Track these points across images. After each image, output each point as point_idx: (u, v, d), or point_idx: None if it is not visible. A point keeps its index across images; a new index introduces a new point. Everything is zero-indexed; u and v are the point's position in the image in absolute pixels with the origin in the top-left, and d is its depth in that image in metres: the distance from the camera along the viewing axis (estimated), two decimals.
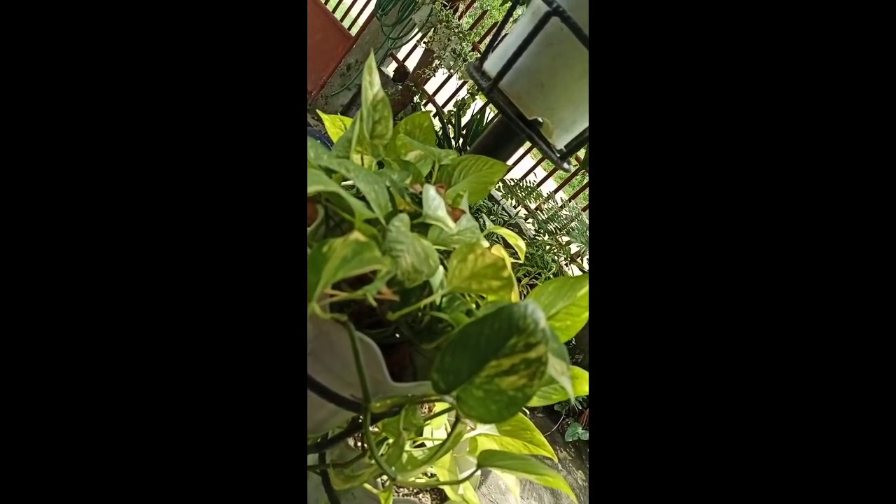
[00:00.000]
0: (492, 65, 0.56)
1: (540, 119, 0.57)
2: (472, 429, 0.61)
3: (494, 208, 3.04)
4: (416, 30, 3.38)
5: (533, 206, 3.17)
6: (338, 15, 4.04)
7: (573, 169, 0.63)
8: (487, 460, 0.40)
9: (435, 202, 0.44)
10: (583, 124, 0.57)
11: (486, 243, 0.54)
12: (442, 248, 0.46)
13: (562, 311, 0.47)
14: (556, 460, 0.57)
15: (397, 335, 0.44)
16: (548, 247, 2.88)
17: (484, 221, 0.59)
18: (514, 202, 3.19)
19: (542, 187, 3.29)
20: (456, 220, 0.48)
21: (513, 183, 3.21)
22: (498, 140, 0.60)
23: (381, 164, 0.58)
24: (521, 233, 3.03)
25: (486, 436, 0.60)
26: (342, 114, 3.76)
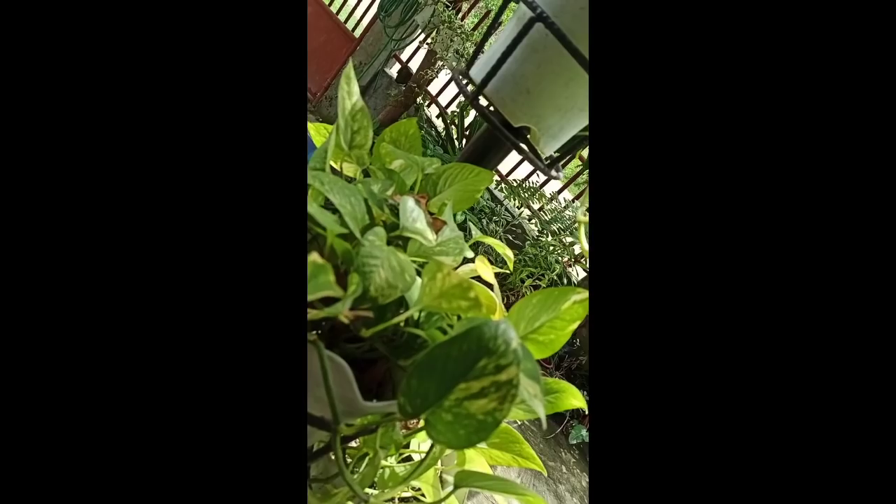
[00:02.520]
0: (478, 71, 0.55)
1: (529, 126, 0.55)
2: None
3: (498, 209, 3.02)
4: (419, 31, 3.37)
5: (536, 206, 3.15)
6: (342, 16, 4.04)
7: (563, 175, 0.61)
8: (464, 480, 0.39)
9: (414, 214, 0.43)
10: (571, 131, 0.55)
11: (470, 254, 0.53)
12: (423, 260, 0.45)
13: (545, 324, 0.45)
14: (545, 474, 0.56)
15: (378, 348, 0.43)
16: (551, 247, 2.86)
17: (470, 230, 0.58)
18: (517, 203, 3.18)
19: (545, 187, 3.28)
20: (438, 230, 0.47)
21: (516, 184, 3.20)
22: (484, 148, 0.58)
23: (366, 174, 0.58)
24: (524, 234, 3.01)
25: (473, 449, 0.59)
26: None
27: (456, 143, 3.27)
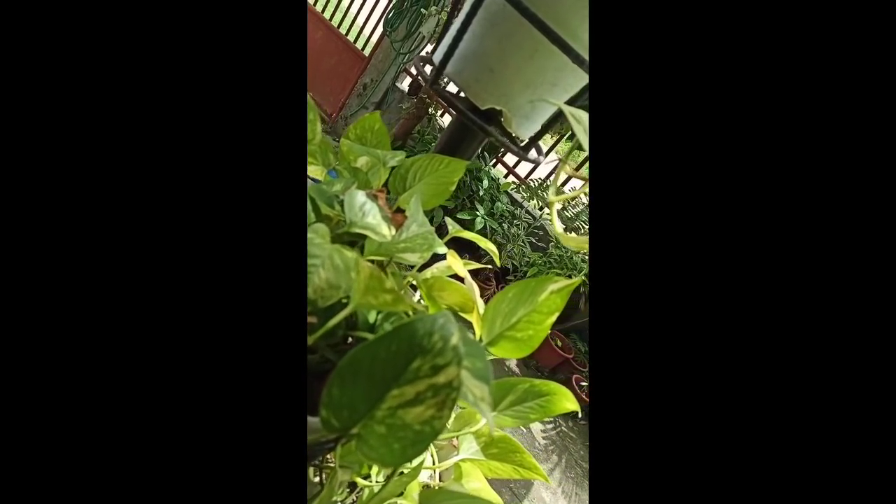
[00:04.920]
0: (440, 54, 0.51)
1: (500, 109, 0.51)
2: (456, 452, 0.55)
3: (518, 212, 2.96)
4: (426, 41, 3.37)
5: (558, 206, 3.08)
6: (351, 37, 4.10)
7: (543, 160, 0.57)
8: (429, 500, 0.35)
9: (365, 207, 0.40)
10: (545, 110, 0.51)
11: (443, 249, 0.49)
12: (380, 258, 0.42)
13: (523, 319, 0.41)
14: (550, 484, 0.51)
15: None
16: None
17: (446, 225, 0.54)
18: (538, 203, 3.11)
19: (566, 186, 3.20)
20: (399, 225, 0.43)
21: (536, 184, 3.14)
22: (457, 138, 0.55)
23: (333, 174, 0.55)
24: (547, 235, 2.93)
25: (470, 461, 0.54)
26: None
27: None
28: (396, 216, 0.43)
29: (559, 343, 2.90)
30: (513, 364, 2.84)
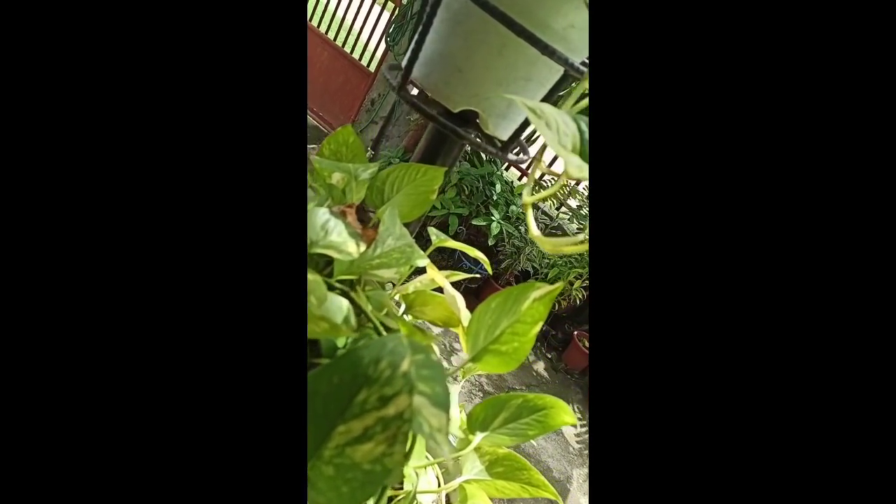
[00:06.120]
0: (405, 59, 0.49)
1: (475, 110, 0.49)
2: (460, 473, 0.52)
3: (534, 213, 2.92)
4: None
5: (575, 204, 3.02)
6: (356, 54, 4.15)
7: (528, 159, 0.54)
8: None
9: (328, 225, 0.38)
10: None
11: (424, 262, 0.46)
12: (349, 277, 0.39)
13: (506, 331, 0.38)
14: (560, 502, 0.47)
15: None
16: None
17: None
18: (553, 204, 3.06)
19: (581, 184, 3.14)
20: (370, 241, 0.41)
21: (550, 184, 3.09)
22: (434, 145, 0.52)
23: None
24: (564, 234, 2.88)
25: (475, 482, 0.51)
26: (372, 147, 3.81)
27: (483, 155, 3.21)
28: (368, 231, 0.41)
29: (587, 344, 2.83)
30: (541, 368, 2.78)
